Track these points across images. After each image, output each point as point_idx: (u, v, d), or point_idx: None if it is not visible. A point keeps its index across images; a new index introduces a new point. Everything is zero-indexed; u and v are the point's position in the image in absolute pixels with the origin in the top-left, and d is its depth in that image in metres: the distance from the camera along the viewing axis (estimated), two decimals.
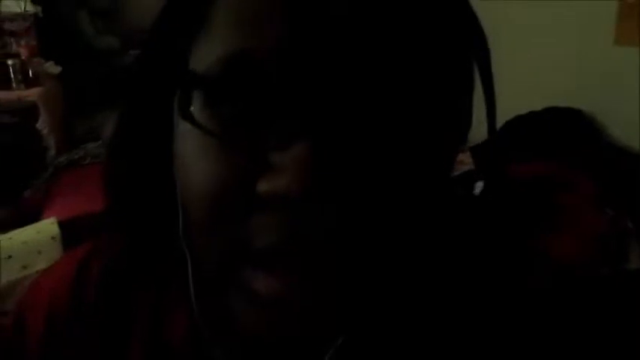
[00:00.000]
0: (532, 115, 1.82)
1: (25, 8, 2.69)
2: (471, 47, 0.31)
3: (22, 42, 2.61)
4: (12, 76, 2.48)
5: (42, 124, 2.38)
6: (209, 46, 0.28)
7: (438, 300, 0.35)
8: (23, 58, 2.56)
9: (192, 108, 0.28)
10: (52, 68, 2.67)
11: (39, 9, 2.77)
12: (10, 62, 2.48)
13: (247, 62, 0.26)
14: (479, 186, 1.72)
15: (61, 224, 1.26)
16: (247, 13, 0.27)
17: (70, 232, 1.22)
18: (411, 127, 0.27)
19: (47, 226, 1.25)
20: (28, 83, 2.51)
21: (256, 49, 0.26)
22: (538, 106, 1.80)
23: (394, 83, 0.26)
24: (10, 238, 1.21)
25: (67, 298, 0.38)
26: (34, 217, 1.77)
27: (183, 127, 0.29)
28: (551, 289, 0.38)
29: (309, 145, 0.25)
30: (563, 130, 1.69)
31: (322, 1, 0.26)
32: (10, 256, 1.16)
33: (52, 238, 1.20)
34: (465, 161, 1.97)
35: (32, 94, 2.43)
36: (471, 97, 0.32)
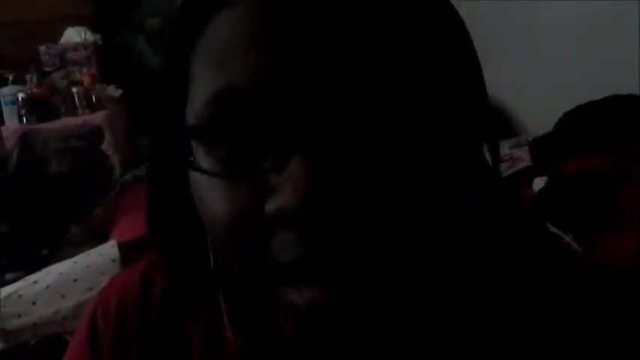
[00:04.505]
0: (592, 104, 1.72)
1: (85, 37, 2.85)
2: (460, 47, 0.31)
3: (84, 70, 2.77)
4: (77, 102, 2.62)
5: (107, 146, 2.50)
6: (195, 93, 0.30)
7: (473, 302, 0.34)
8: (86, 85, 2.70)
9: (195, 155, 0.29)
10: (114, 92, 2.81)
11: (98, 37, 2.92)
12: (74, 90, 2.63)
13: (231, 97, 0.27)
14: (537, 183, 1.64)
15: (120, 246, 1.32)
16: (220, 51, 0.28)
17: (127, 253, 1.28)
18: (405, 127, 0.27)
19: (108, 250, 1.32)
20: (92, 108, 2.64)
21: (236, 82, 0.27)
22: (599, 95, 1.70)
23: (381, 89, 0.26)
24: (75, 263, 1.29)
25: (134, 304, 0.41)
26: (104, 232, 1.88)
27: (192, 172, 0.31)
28: (596, 294, 0.36)
29: (301, 160, 0.26)
30: (625, 119, 1.59)
31: (295, 25, 0.26)
32: (75, 280, 1.23)
33: (113, 260, 1.27)
34: (523, 157, 1.89)
35: (96, 118, 2.56)
36: (472, 102, 0.31)
